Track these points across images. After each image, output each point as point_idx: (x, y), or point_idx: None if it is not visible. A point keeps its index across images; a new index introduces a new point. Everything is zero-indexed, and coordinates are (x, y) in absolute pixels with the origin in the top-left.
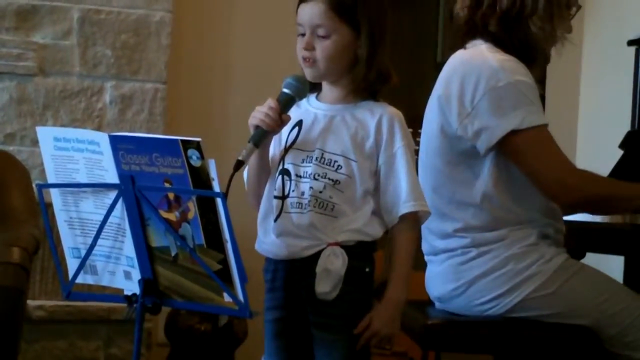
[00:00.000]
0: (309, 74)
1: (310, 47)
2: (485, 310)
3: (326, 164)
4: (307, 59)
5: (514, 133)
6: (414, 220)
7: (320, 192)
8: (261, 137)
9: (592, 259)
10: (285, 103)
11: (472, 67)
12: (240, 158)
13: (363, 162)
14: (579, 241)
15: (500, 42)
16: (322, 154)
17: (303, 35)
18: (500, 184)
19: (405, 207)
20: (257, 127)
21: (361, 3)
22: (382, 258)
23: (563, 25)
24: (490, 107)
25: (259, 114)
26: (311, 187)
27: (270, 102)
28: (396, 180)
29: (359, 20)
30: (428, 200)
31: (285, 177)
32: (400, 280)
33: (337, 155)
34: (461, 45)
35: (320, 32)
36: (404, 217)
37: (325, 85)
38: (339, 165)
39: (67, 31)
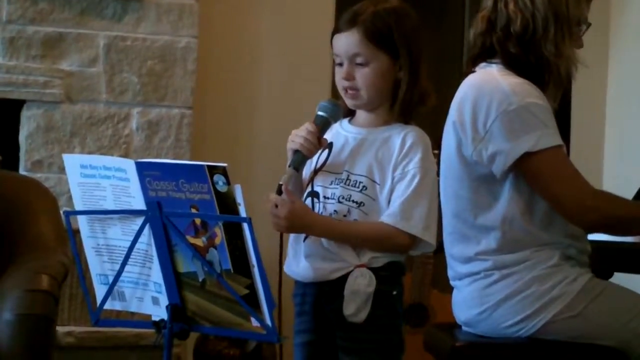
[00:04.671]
0: (351, 104)
1: (350, 77)
2: (512, 333)
3: (352, 186)
4: (349, 89)
5: (528, 155)
6: (391, 234)
7: (345, 215)
8: (302, 162)
9: (620, 279)
10: (323, 126)
11: (484, 91)
12: (281, 182)
13: (385, 185)
14: (607, 261)
15: (516, 63)
16: (349, 175)
17: (340, 65)
18: (521, 206)
19: (387, 217)
20: (296, 151)
21: (396, 28)
22: (406, 282)
23: (575, 43)
24: (503, 131)
25: (299, 138)
26: (335, 211)
27: (309, 126)
28: (397, 194)
29: (396, 46)
30: (449, 226)
31: (315, 200)
32: (332, 225)
33: (363, 176)
34: (471, 68)
35: (359, 60)
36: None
37: (361, 111)
38: (364, 186)
39: (93, 58)
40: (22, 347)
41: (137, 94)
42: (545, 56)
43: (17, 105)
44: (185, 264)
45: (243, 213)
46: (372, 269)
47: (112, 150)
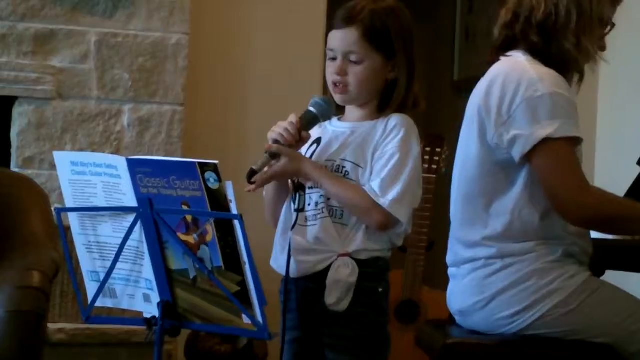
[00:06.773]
0: (339, 99)
1: (342, 73)
2: (505, 325)
3: (335, 171)
4: (338, 84)
5: (547, 141)
6: (365, 201)
7: (329, 199)
8: (277, 151)
9: (611, 276)
10: (308, 121)
11: (512, 77)
12: (254, 167)
13: (367, 166)
14: (599, 258)
15: (540, 53)
16: (333, 163)
17: (333, 59)
18: (533, 195)
19: (367, 187)
20: (275, 141)
21: (393, 28)
22: (397, 279)
23: (596, 42)
24: (526, 116)
25: (279, 128)
26: (322, 195)
27: (292, 118)
28: (375, 170)
29: (392, 45)
30: (458, 210)
31: (300, 192)
32: (328, 176)
33: (347, 161)
34: (494, 59)
35: (353, 57)
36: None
37: (350, 107)
38: (347, 171)
39: (84, 55)
40: (12, 343)
41: (128, 90)
42: (566, 47)
43: (8, 102)
44: (176, 261)
45: (234, 210)
46: (357, 263)
47: (104, 147)
